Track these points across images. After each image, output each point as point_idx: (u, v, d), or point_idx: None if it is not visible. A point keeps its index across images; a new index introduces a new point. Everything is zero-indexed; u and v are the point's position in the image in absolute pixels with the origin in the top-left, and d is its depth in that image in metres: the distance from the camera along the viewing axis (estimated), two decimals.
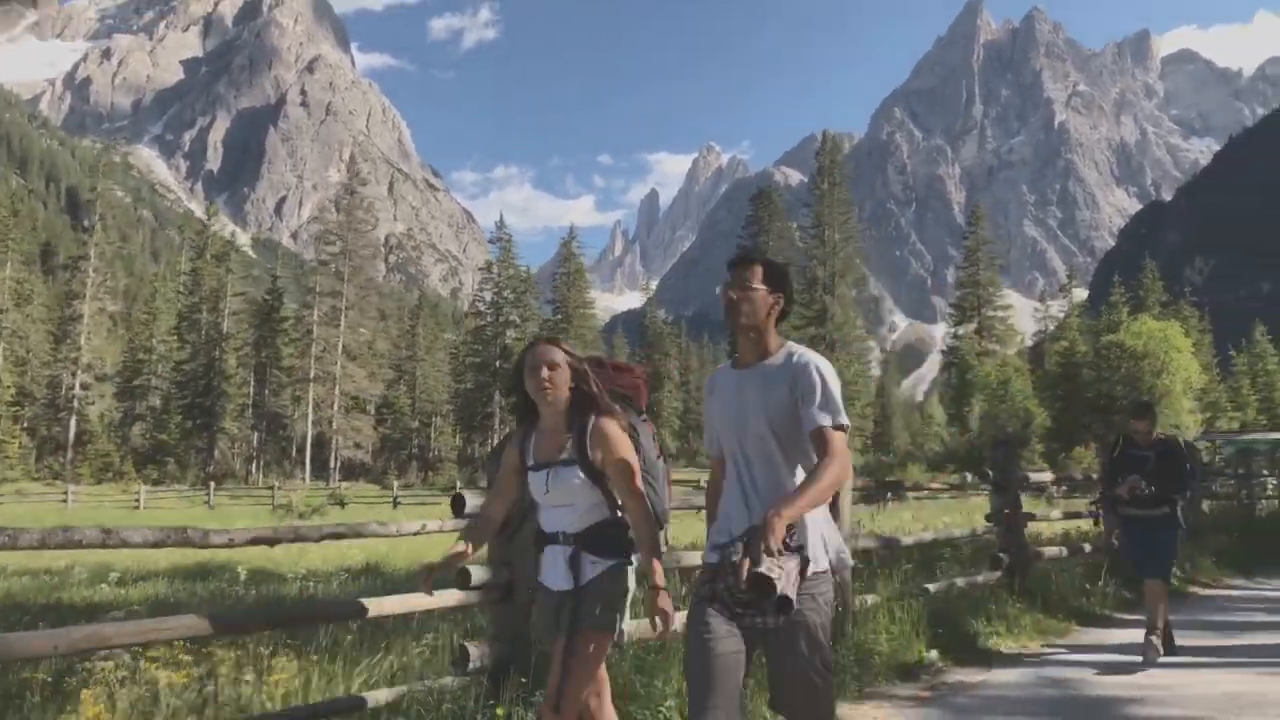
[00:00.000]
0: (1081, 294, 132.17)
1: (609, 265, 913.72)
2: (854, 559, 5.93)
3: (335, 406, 65.14)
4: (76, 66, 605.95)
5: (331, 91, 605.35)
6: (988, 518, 8.59)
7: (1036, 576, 8.79)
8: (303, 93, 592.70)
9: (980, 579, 8.16)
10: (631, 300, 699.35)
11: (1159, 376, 51.02)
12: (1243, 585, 10.98)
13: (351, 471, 72.38)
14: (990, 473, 8.44)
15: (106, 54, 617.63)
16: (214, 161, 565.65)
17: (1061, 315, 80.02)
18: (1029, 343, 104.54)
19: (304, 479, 66.15)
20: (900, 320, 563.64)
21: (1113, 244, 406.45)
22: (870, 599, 6.85)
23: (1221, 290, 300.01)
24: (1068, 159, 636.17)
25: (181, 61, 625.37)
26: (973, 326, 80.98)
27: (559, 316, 76.02)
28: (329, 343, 65.98)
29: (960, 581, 7.96)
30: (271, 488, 43.99)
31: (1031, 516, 9.13)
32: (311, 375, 65.82)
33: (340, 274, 65.90)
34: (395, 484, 46.26)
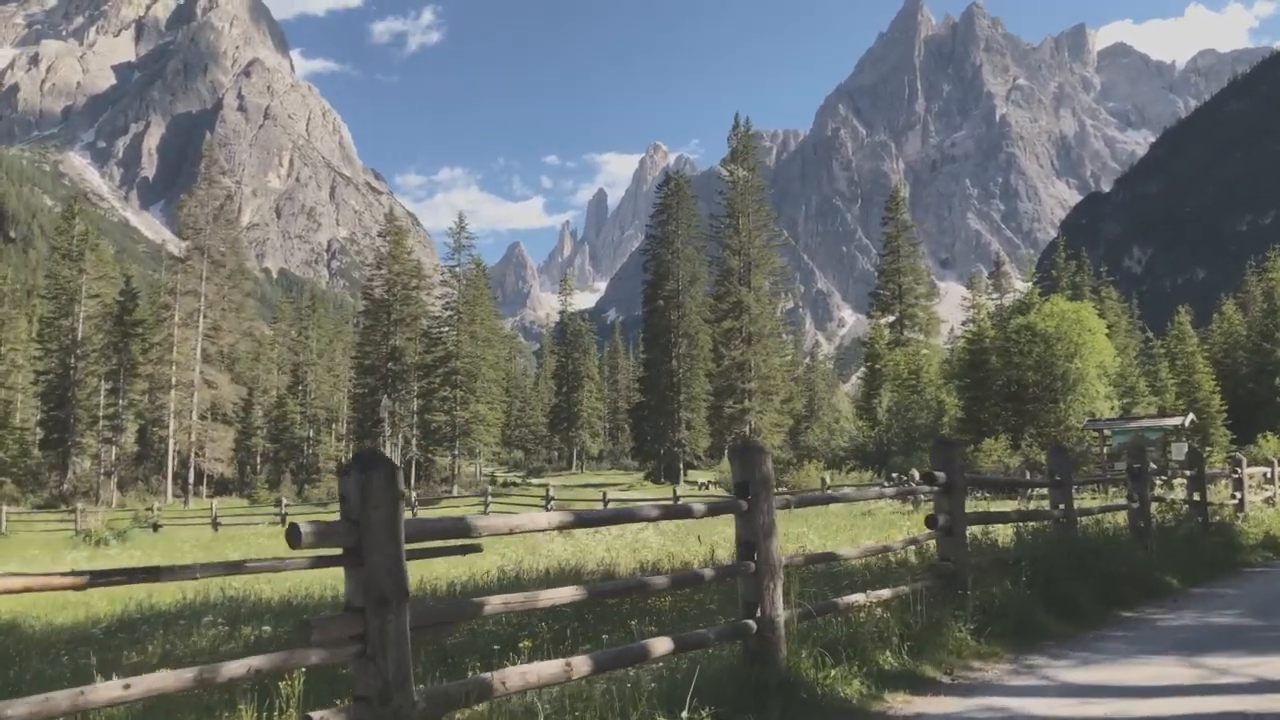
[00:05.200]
0: (1025, 286, 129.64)
1: (558, 266, 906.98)
2: None
3: (194, 415, 59.43)
4: (3, 73, 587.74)
5: (270, 95, 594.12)
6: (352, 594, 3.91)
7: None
8: (240, 97, 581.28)
9: None
10: (581, 300, 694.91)
11: (1072, 360, 47.23)
12: (993, 683, 6.44)
13: (225, 486, 66.71)
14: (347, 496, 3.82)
15: (34, 60, 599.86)
16: (149, 168, 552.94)
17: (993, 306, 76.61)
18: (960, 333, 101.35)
19: (166, 496, 60.53)
20: (849, 315, 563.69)
21: (1054, 235, 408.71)
22: None
23: (1158, 279, 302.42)
24: (1009, 152, 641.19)
25: (113, 67, 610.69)
26: (893, 317, 77.19)
27: (450, 313, 70.75)
28: (191, 346, 60.33)
29: None
30: (74, 510, 38.61)
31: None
32: (173, 382, 60.09)
33: (199, 272, 60.12)
34: (215, 504, 40.93)
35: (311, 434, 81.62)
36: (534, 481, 72.62)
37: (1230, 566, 12.37)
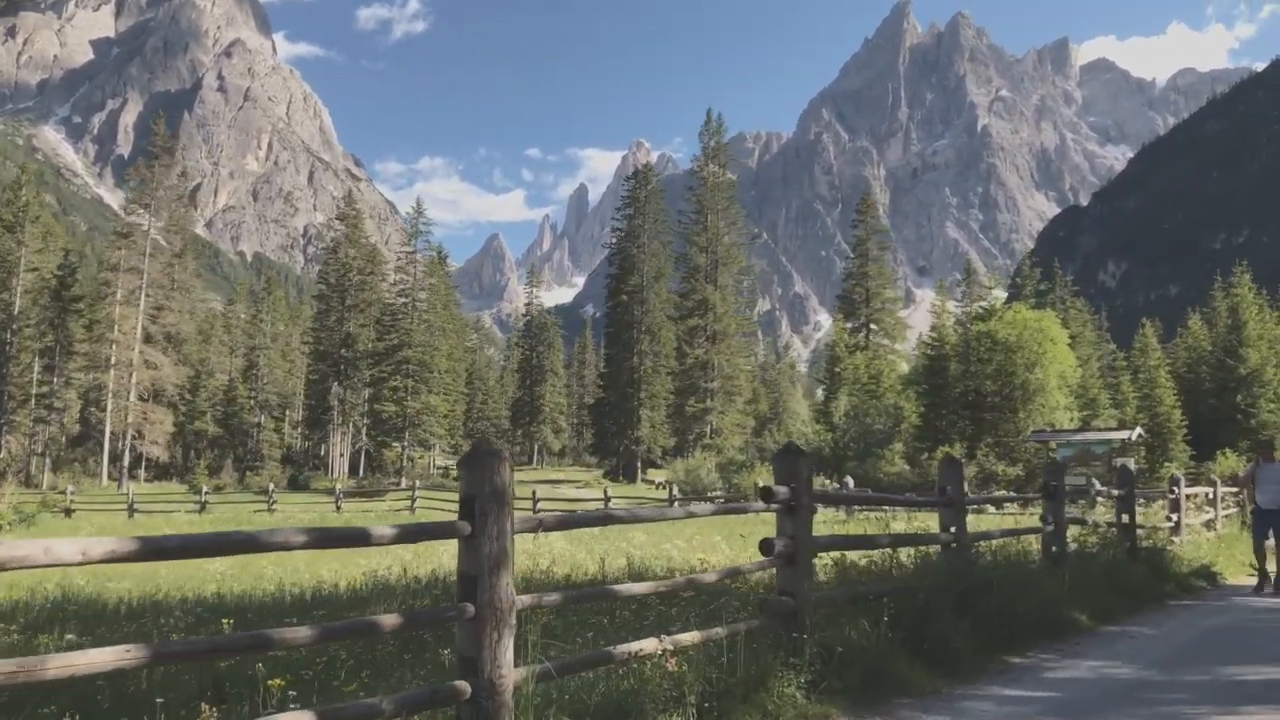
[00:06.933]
0: (1001, 295, 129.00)
1: (537, 260, 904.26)
2: None
3: (131, 396, 57.32)
4: None
5: (251, 77, 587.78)
6: None
7: None
8: (220, 77, 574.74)
9: None
10: (559, 295, 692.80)
11: (1032, 370, 46.18)
12: None
13: (166, 471, 64.60)
14: None
15: (11, 31, 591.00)
16: (125, 146, 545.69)
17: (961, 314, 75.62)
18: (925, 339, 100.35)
19: (102, 479, 58.46)
20: (825, 319, 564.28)
21: (1031, 246, 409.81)
22: None
23: (1132, 293, 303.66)
24: (990, 163, 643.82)
25: (92, 41, 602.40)
26: (861, 320, 76.06)
27: (404, 300, 68.77)
28: (132, 325, 58.22)
29: None
30: None
31: None
32: (112, 361, 57.98)
33: (141, 249, 57.98)
34: (132, 488, 39.08)
35: (262, 420, 79.48)
36: None
37: (1154, 599, 11.05)
